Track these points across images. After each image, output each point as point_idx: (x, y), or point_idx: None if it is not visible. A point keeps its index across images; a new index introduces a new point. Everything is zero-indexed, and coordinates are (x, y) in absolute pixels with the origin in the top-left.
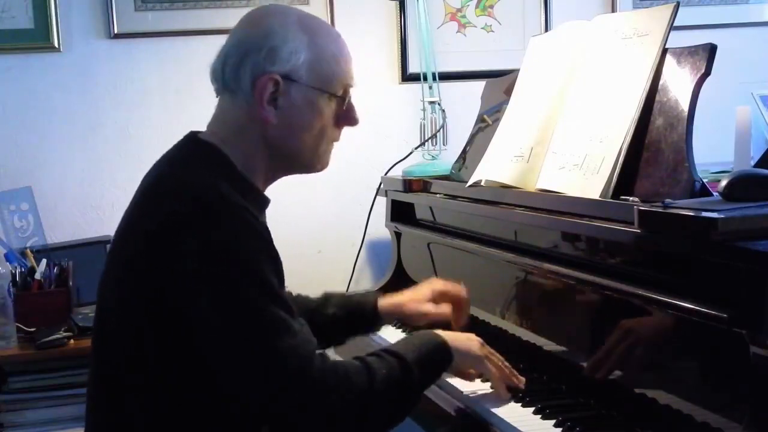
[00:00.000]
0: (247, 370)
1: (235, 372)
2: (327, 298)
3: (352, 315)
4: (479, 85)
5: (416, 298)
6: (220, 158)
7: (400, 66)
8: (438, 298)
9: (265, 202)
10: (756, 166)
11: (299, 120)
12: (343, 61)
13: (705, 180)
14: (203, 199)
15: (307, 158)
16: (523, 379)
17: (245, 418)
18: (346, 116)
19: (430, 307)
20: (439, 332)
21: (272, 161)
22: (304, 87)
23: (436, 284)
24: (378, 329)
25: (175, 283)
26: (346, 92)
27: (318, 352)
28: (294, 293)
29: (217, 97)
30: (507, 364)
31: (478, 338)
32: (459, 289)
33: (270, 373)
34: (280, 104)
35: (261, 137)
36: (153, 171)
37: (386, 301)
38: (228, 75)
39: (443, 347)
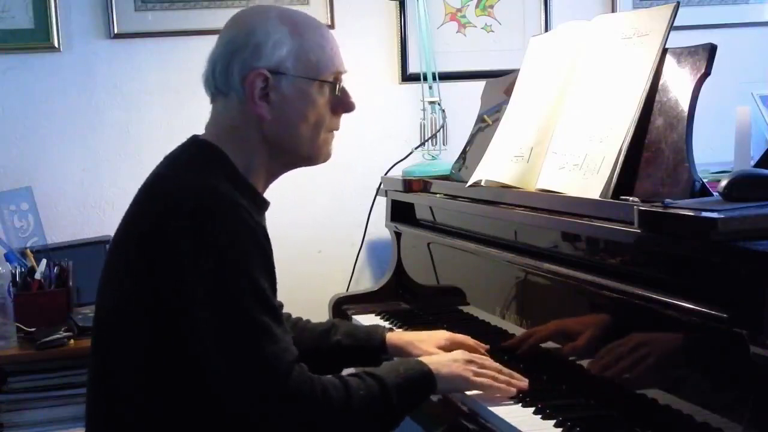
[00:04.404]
0: (226, 371)
1: (215, 372)
2: (334, 326)
3: (358, 345)
4: (479, 85)
5: (428, 339)
6: (220, 159)
7: (400, 66)
8: (451, 346)
9: (265, 204)
10: (756, 166)
11: (293, 112)
12: (329, 47)
13: (705, 180)
14: (198, 197)
15: (306, 150)
16: (525, 380)
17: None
18: (341, 102)
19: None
20: (425, 359)
21: (272, 158)
22: (293, 78)
23: (451, 335)
24: (380, 364)
25: (170, 281)
26: (337, 78)
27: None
28: (297, 317)
29: (211, 103)
30: (506, 369)
31: (464, 355)
32: (476, 345)
33: (247, 376)
34: (272, 98)
35: (258, 135)
36: (153, 172)
37: (396, 337)
38: (218, 78)
39: (427, 375)
